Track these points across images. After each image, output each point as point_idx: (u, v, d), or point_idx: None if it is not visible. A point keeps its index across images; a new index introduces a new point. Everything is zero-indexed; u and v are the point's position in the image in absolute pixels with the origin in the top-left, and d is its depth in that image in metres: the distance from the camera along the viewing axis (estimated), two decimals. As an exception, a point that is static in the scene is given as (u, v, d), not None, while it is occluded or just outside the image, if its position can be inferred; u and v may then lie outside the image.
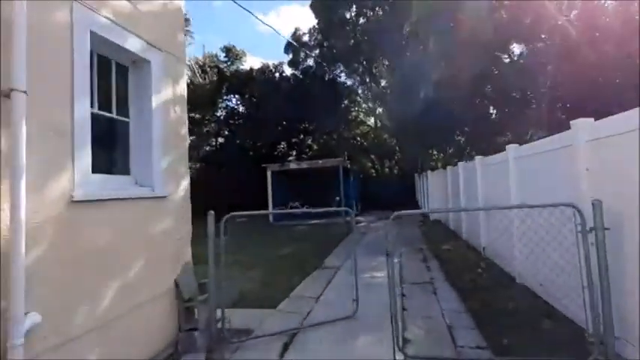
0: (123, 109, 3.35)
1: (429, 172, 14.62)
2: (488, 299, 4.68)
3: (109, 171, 3.21)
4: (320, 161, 16.14)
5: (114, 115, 3.23)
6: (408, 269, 6.76)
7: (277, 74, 19.13)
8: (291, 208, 18.10)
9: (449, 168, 11.38)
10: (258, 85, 18.51)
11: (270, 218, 16.24)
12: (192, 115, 23.84)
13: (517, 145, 5.41)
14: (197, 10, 46.15)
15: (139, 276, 3.21)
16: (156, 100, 3.41)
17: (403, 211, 4.09)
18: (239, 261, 8.09)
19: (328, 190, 18.71)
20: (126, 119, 3.35)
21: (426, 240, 9.92)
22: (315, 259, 8.05)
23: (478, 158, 7.37)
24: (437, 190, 13.87)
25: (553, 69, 8.81)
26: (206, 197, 22.74)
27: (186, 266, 3.94)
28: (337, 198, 17.11)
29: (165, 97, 3.58)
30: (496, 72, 9.51)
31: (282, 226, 15.10)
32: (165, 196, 3.54)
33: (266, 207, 16.59)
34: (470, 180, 8.46)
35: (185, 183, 3.96)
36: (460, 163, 9.44)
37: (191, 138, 24.95)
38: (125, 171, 3.38)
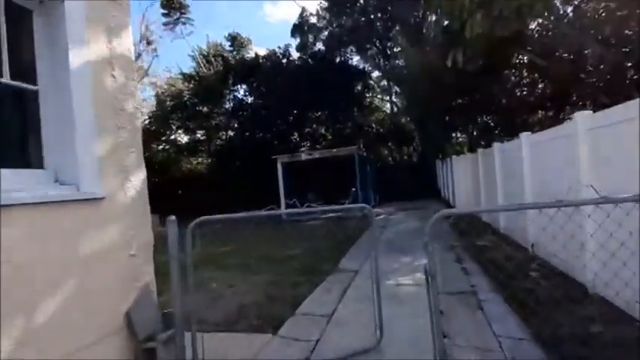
0: (31, 73, 2.30)
1: (453, 157, 13.24)
2: (560, 319, 3.48)
3: (12, 164, 2.18)
4: (334, 150, 14.96)
5: (14, 83, 2.18)
6: (441, 273, 5.55)
7: (285, 60, 17.96)
8: (307, 201, 17.08)
9: (480, 151, 10.02)
10: (264, 72, 17.39)
11: (284, 213, 15.22)
12: (200, 107, 23.06)
13: (590, 112, 4.08)
14: (201, 6, 45.24)
15: (67, 314, 2.20)
16: (77, 59, 2.33)
17: (452, 210, 2.88)
18: (242, 265, 7.11)
19: (343, 180, 17.52)
20: (34, 87, 2.29)
21: (456, 234, 8.66)
22: (328, 260, 6.97)
23: (524, 135, 6.04)
24: (464, 177, 12.49)
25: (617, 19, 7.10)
26: (218, 194, 22.01)
27: (144, 292, 2.90)
28: (353, 189, 15.93)
29: (95, 55, 2.50)
30: (537, 31, 8.06)
31: (294, 221, 14.07)
32: (101, 198, 2.49)
33: (278, 201, 15.59)
34: (510, 164, 7.14)
35: (137, 178, 2.90)
36: (496, 144, 8.10)
37: (200, 132, 24.21)
38: (38, 163, 2.34)
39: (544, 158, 5.47)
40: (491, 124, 13.00)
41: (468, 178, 12.06)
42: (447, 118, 12.51)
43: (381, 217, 13.20)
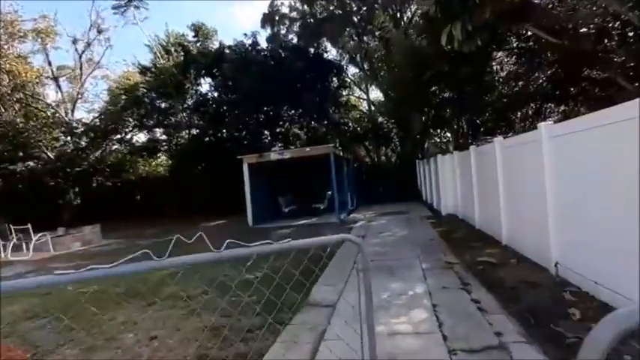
0: None
1: (439, 156, 12.01)
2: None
3: None
4: (307, 149, 13.41)
5: None
6: (446, 308, 4.10)
7: (254, 52, 16.22)
8: (286, 206, 15.43)
9: (473, 148, 8.77)
10: (230, 63, 15.61)
11: (249, 220, 13.51)
12: (159, 103, 20.89)
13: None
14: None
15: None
16: None
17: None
18: (180, 298, 5.39)
19: (319, 182, 16.04)
20: None
21: (449, 246, 7.31)
22: (297, 286, 5.38)
23: (544, 125, 4.71)
24: (451, 177, 11.27)
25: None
26: (179, 199, 19.87)
27: None
28: (329, 192, 14.46)
29: None
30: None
31: (263, 229, 12.40)
32: None
33: (244, 207, 13.86)
34: (518, 164, 5.85)
35: None
36: (497, 139, 6.83)
37: (159, 130, 21.99)
38: None
39: (572, 157, 4.15)
40: (483, 118, 11.89)
41: (456, 180, 10.84)
42: (431, 112, 11.27)
43: (360, 223, 11.77)
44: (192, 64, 17.43)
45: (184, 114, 20.37)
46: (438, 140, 15.05)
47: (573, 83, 8.77)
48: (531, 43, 8.41)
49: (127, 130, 21.41)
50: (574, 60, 7.20)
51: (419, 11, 8.81)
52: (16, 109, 21.53)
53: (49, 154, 21.99)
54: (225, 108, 15.78)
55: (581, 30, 6.27)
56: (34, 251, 10.85)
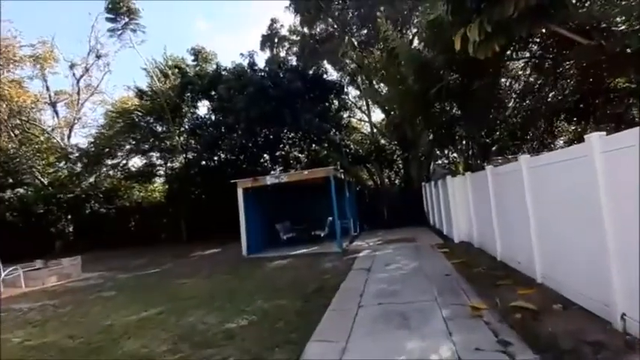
0: None
1: (448, 178, 11.02)
2: None
3: None
4: (305, 172, 12.47)
5: None
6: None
7: (250, 72, 15.67)
8: (285, 233, 14.35)
9: (490, 169, 7.80)
10: (227, 85, 15.03)
11: (244, 249, 12.41)
12: (155, 127, 20.27)
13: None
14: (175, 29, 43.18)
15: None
16: None
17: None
18: (134, 356, 4.29)
19: (319, 207, 15.01)
20: None
21: (471, 283, 6.18)
22: (288, 341, 4.29)
23: (595, 136, 3.75)
24: (464, 201, 10.23)
25: None
26: (175, 226, 18.82)
27: None
28: (330, 218, 13.39)
29: None
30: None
31: (257, 260, 11.30)
32: None
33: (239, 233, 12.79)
34: (556, 184, 4.84)
35: None
36: (523, 157, 5.85)
37: (155, 155, 21.26)
38: None
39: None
40: (494, 137, 10.97)
41: (470, 203, 9.79)
42: (439, 131, 10.39)
43: (364, 253, 10.64)
44: (189, 86, 16.93)
45: (180, 138, 19.71)
46: (446, 161, 14.11)
47: (600, 94, 7.89)
48: (553, 49, 7.58)
49: (121, 154, 20.74)
50: (603, 66, 6.39)
51: (424, 22, 8.06)
52: (11, 135, 21.04)
53: (42, 180, 21.27)
54: (222, 130, 15.04)
55: (617, 28, 5.45)
56: (5, 287, 9.79)
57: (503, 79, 9.07)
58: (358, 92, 24.46)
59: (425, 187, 17.56)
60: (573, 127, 14.05)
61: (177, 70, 18.88)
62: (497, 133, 11.28)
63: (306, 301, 6.09)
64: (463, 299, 5.33)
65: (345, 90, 20.89)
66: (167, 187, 21.32)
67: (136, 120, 18.91)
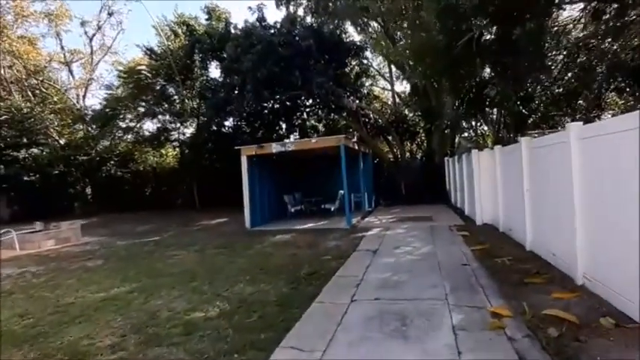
0: None
1: (474, 152, 9.69)
2: None
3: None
4: (312, 140, 11.40)
5: None
6: None
7: (259, 28, 14.25)
8: (293, 206, 13.56)
9: (526, 141, 6.49)
10: (236, 44, 13.80)
11: (247, 221, 11.73)
12: (165, 89, 19.49)
13: None
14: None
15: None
16: None
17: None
18: (71, 349, 3.57)
19: (332, 180, 14.05)
20: None
21: (492, 279, 5.12)
22: (252, 344, 3.46)
23: None
24: (492, 179, 8.96)
25: None
26: (187, 192, 18.43)
27: None
28: (341, 192, 12.42)
29: None
30: None
31: (259, 233, 10.59)
32: None
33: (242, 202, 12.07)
34: (617, 162, 3.58)
35: None
36: (574, 127, 4.57)
37: (166, 119, 20.63)
38: None
39: None
40: (533, 106, 9.36)
41: (497, 182, 8.52)
42: (467, 95, 8.94)
43: (374, 231, 9.67)
44: (197, 44, 15.84)
45: (193, 102, 18.91)
46: (473, 134, 12.62)
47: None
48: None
49: (131, 117, 20.26)
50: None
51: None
52: (28, 94, 20.91)
53: (59, 140, 21.27)
54: (229, 93, 14.03)
55: None
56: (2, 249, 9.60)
57: (549, 36, 7.40)
58: (381, 58, 22.66)
59: (447, 162, 16.15)
60: (622, 101, 12.12)
61: (185, 28, 17.78)
62: (536, 101, 9.68)
63: (294, 287, 5.25)
64: (481, 300, 4.30)
65: (366, 54, 19.13)
66: (179, 153, 20.84)
67: (145, 80, 18.16)
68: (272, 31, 13.50)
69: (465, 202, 11.75)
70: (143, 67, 18.02)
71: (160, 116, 19.60)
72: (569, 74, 7.36)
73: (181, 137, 20.55)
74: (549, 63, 6.97)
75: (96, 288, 5.73)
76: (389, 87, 23.10)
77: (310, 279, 5.62)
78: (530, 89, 8.14)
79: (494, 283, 4.91)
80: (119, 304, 4.90)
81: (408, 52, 9.33)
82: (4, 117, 18.47)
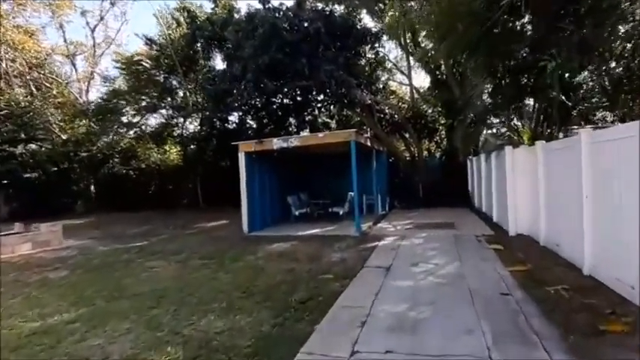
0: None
1: (507, 149, 8.21)
2: None
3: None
4: (319, 134, 10.06)
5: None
6: None
7: (263, 11, 12.96)
8: (297, 208, 12.30)
9: (586, 135, 5.03)
10: (237, 28, 12.58)
11: (244, 226, 10.51)
12: (166, 81, 18.47)
13: None
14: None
15: None
16: None
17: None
18: None
19: (341, 180, 12.71)
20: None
21: (544, 314, 3.71)
22: None
23: None
24: (531, 182, 7.48)
25: None
26: (189, 191, 17.39)
27: None
28: (350, 193, 11.08)
29: None
30: None
31: (256, 240, 9.36)
32: None
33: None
34: None
35: None
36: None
37: (167, 113, 19.64)
38: None
39: None
40: (582, 94, 7.73)
41: (540, 184, 7.02)
42: (503, 78, 7.40)
43: (387, 241, 8.30)
44: (199, 31, 14.74)
45: (194, 95, 17.86)
46: (504, 129, 11.06)
47: None
48: None
49: (132, 111, 19.35)
50: None
51: None
52: (30, 87, 20.31)
53: (61, 136, 20.60)
54: (229, 84, 12.82)
55: None
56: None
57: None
58: (399, 50, 21.12)
59: (471, 161, 14.60)
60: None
61: (187, 15, 16.71)
62: (584, 88, 8.07)
63: (280, 323, 3.96)
64: (535, 349, 2.91)
65: (382, 44, 17.64)
66: (182, 149, 19.85)
67: (143, 72, 17.19)
68: (277, 14, 12.21)
69: (492, 207, 10.23)
70: (142, 58, 17.09)
71: (162, 110, 18.65)
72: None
73: (185, 133, 19.54)
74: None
75: (36, 313, 4.60)
76: (406, 81, 21.57)
77: (303, 309, 4.33)
78: (581, 72, 6.57)
79: (553, 328, 3.51)
80: (46, 342, 3.72)
81: (431, 17, 7.68)
82: (4, 111, 17.84)
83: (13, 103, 17.67)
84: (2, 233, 9.31)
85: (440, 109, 18.51)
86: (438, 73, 18.53)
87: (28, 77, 19.85)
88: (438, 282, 5.16)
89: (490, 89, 8.29)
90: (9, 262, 7.92)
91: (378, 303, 4.38)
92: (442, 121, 18.99)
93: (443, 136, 20.41)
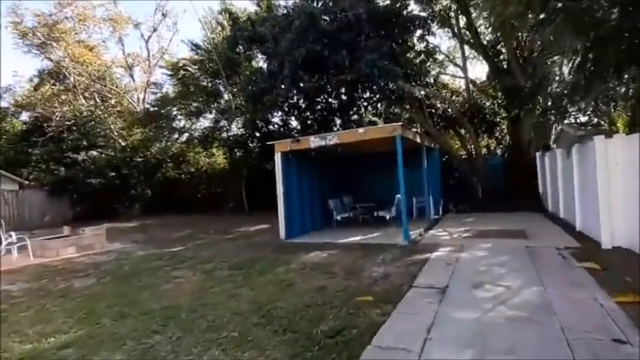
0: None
1: (597, 139, 6.52)
2: None
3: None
4: (360, 130, 9.01)
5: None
6: None
7: (305, 3, 12.23)
8: (339, 213, 11.42)
9: None
10: (273, 23, 11.97)
11: (282, 231, 9.78)
12: (216, 85, 18.57)
13: None
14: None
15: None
16: None
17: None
18: None
19: (390, 183, 11.50)
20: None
21: None
22: None
23: None
24: (635, 180, 5.79)
25: None
26: (236, 195, 17.26)
27: None
28: (398, 196, 9.86)
29: None
30: None
31: (292, 247, 8.55)
32: None
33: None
34: None
35: None
36: None
37: (214, 117, 19.77)
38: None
39: None
40: None
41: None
42: (594, 55, 5.82)
43: (442, 252, 7.01)
44: (239, 32, 14.49)
45: (238, 97, 17.74)
46: (584, 118, 9.13)
47: None
48: None
49: (180, 116, 19.82)
50: None
51: None
52: (95, 99, 21.76)
53: (121, 142, 21.78)
54: (267, 82, 12.28)
55: None
56: (18, 256, 8.92)
57: None
58: (452, 41, 19.30)
59: (542, 158, 12.56)
60: None
61: (228, 16, 16.61)
62: None
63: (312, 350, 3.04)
64: None
65: (432, 32, 16.08)
66: (227, 153, 19.90)
67: (190, 77, 17.43)
68: (315, 3, 11.42)
69: (574, 212, 8.41)
70: (186, 63, 17.35)
71: (208, 114, 18.84)
72: None
73: (230, 137, 19.59)
74: None
75: (37, 331, 4.17)
76: (459, 74, 19.64)
77: (329, 347, 3.36)
78: None
79: None
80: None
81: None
82: (71, 122, 19.19)
83: (77, 113, 18.95)
84: (49, 237, 9.54)
85: (500, 100, 16.49)
86: (496, 60, 16.55)
87: (92, 89, 21.25)
88: (514, 315, 3.88)
89: (577, 61, 6.62)
90: (46, 267, 7.94)
91: (431, 347, 3.25)
92: (503, 114, 16.93)
93: (504, 131, 18.27)
